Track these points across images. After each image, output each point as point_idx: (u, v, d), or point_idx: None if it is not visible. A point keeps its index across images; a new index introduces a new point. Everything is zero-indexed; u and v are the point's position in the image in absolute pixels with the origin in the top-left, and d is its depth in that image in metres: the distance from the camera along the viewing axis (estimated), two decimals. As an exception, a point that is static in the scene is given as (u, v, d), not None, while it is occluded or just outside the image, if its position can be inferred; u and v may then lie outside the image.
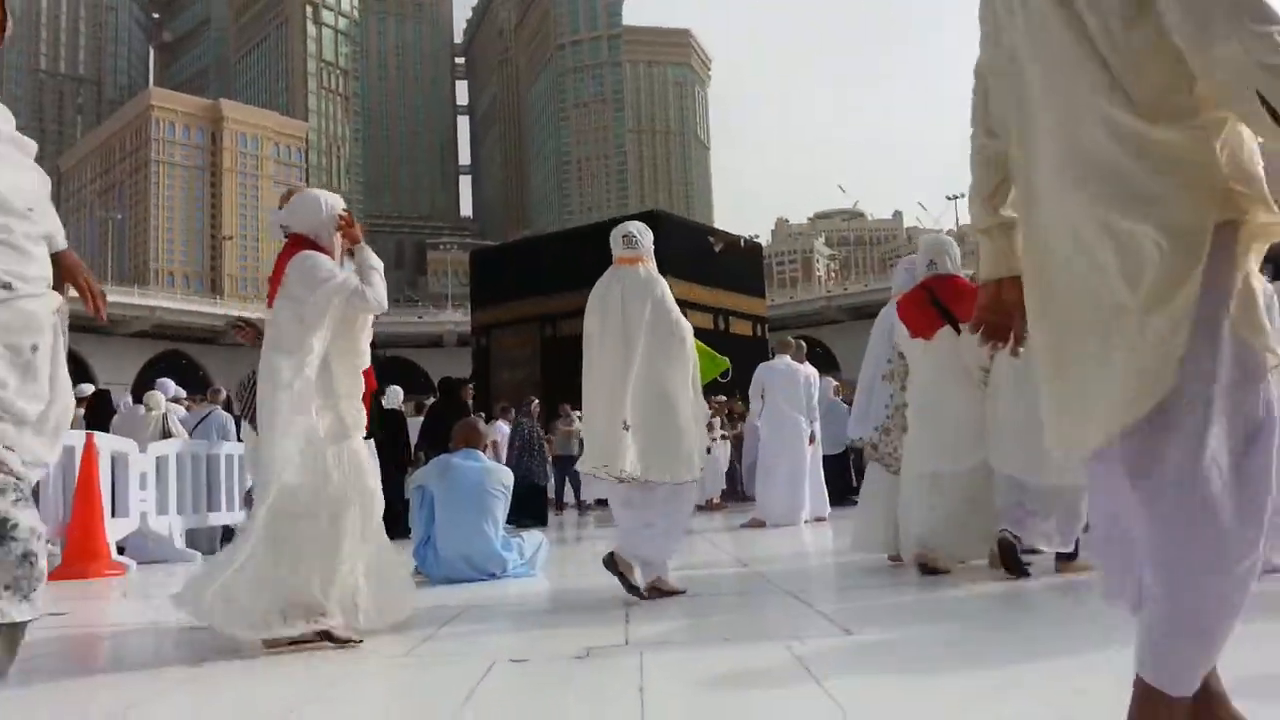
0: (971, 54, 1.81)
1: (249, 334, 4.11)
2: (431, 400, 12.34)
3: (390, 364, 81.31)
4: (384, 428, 10.65)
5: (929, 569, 4.48)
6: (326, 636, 3.29)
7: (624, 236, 4.51)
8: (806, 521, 8.76)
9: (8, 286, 2.18)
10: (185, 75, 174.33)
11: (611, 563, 4.11)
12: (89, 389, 10.60)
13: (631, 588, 4.07)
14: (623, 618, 3.68)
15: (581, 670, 2.84)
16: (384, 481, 10.77)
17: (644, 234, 4.54)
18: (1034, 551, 4.40)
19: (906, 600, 4.07)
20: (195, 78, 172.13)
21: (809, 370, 9.38)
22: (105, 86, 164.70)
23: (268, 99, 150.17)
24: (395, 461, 10.34)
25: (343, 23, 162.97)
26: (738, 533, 8.39)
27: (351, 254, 3.62)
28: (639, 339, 4.21)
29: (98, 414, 9.49)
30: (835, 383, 12.79)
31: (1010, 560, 4.22)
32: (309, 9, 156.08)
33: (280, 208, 3.75)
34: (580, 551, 7.78)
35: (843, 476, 11.31)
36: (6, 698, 2.53)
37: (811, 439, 9.06)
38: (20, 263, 2.22)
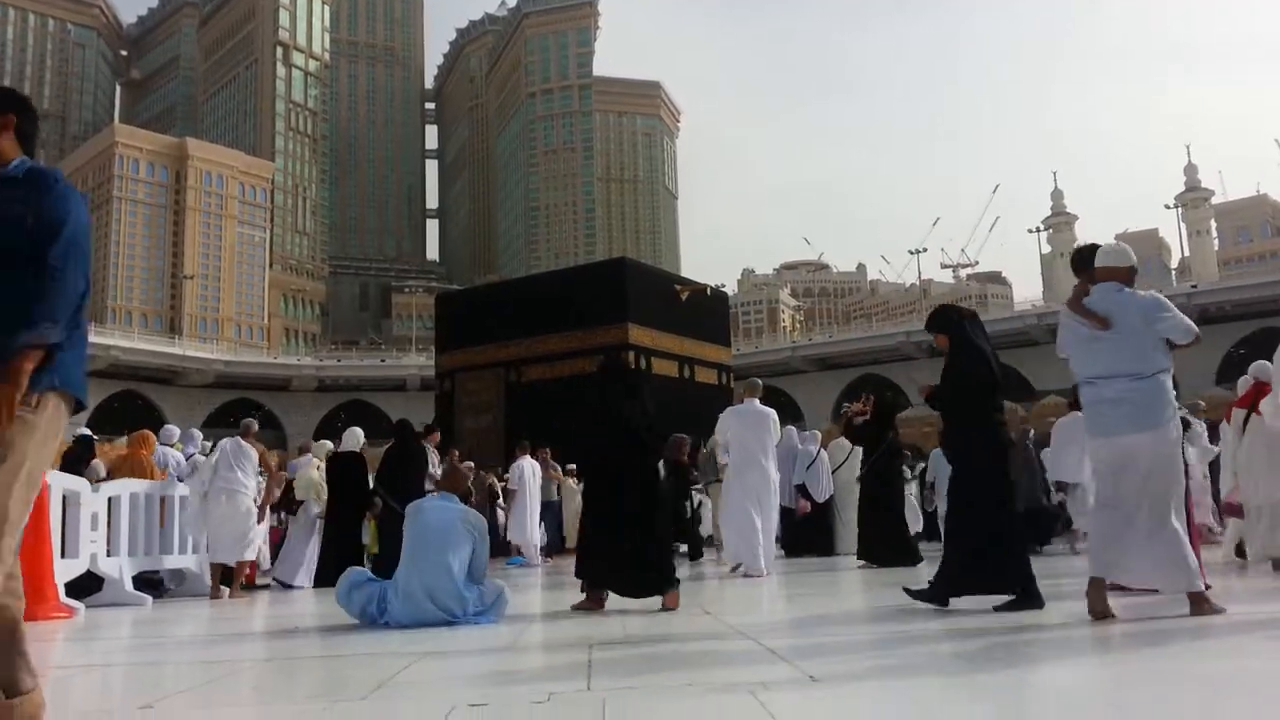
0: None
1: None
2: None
3: (351, 407, 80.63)
4: (342, 472, 10.54)
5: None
6: None
7: None
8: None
9: None
10: (152, 113, 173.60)
11: None
12: (82, 431, 10.38)
13: None
14: (585, 664, 3.65)
15: (542, 715, 2.80)
16: (342, 525, 10.55)
17: None
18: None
19: (864, 643, 4.06)
20: (162, 115, 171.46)
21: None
22: (70, 122, 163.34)
23: (235, 139, 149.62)
24: (353, 505, 10.21)
25: (313, 65, 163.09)
26: (714, 582, 8.32)
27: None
28: None
29: (78, 458, 9.16)
30: (817, 433, 12.70)
31: None
32: (280, 50, 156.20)
33: None
34: (544, 600, 7.70)
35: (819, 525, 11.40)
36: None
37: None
38: None
